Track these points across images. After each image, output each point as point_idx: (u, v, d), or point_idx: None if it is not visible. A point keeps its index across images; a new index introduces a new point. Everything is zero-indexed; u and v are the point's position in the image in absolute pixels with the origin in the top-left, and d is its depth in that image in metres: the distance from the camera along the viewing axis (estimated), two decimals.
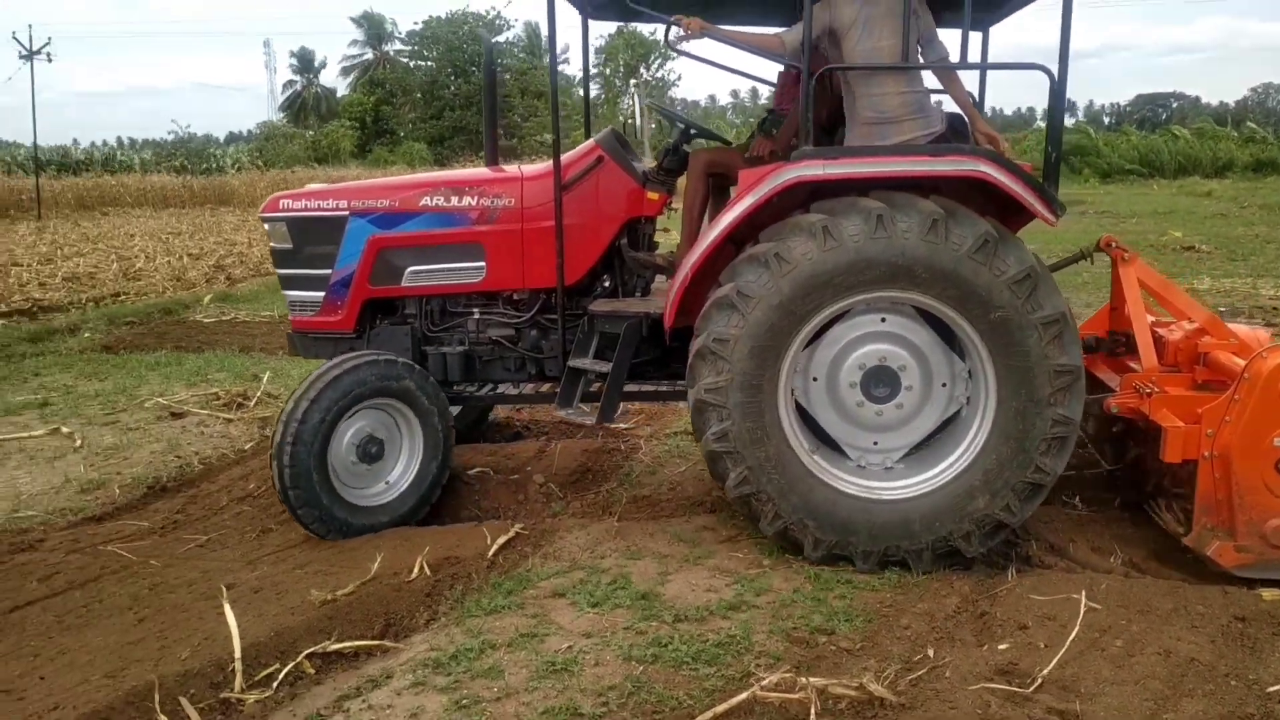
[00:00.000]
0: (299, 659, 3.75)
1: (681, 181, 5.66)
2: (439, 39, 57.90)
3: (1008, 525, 4.56)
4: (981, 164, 4.47)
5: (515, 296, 5.61)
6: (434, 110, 58.99)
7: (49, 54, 38.45)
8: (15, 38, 37.68)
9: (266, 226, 5.77)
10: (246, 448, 6.74)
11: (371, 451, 5.17)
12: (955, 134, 4.89)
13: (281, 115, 71.88)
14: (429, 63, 61.30)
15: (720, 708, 3.36)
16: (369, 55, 67.65)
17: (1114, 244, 5.24)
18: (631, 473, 6.11)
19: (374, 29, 67.52)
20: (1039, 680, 3.51)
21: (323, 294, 5.61)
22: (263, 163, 48.02)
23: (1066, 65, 4.71)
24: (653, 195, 5.45)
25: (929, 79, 5.05)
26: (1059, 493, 5.29)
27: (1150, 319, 5.15)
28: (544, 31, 4.93)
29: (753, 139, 5.59)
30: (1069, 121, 60.48)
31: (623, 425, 7.10)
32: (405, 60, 64.53)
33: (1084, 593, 4.10)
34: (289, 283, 5.74)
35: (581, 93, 7.14)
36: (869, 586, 4.40)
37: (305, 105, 72.10)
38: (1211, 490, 4.41)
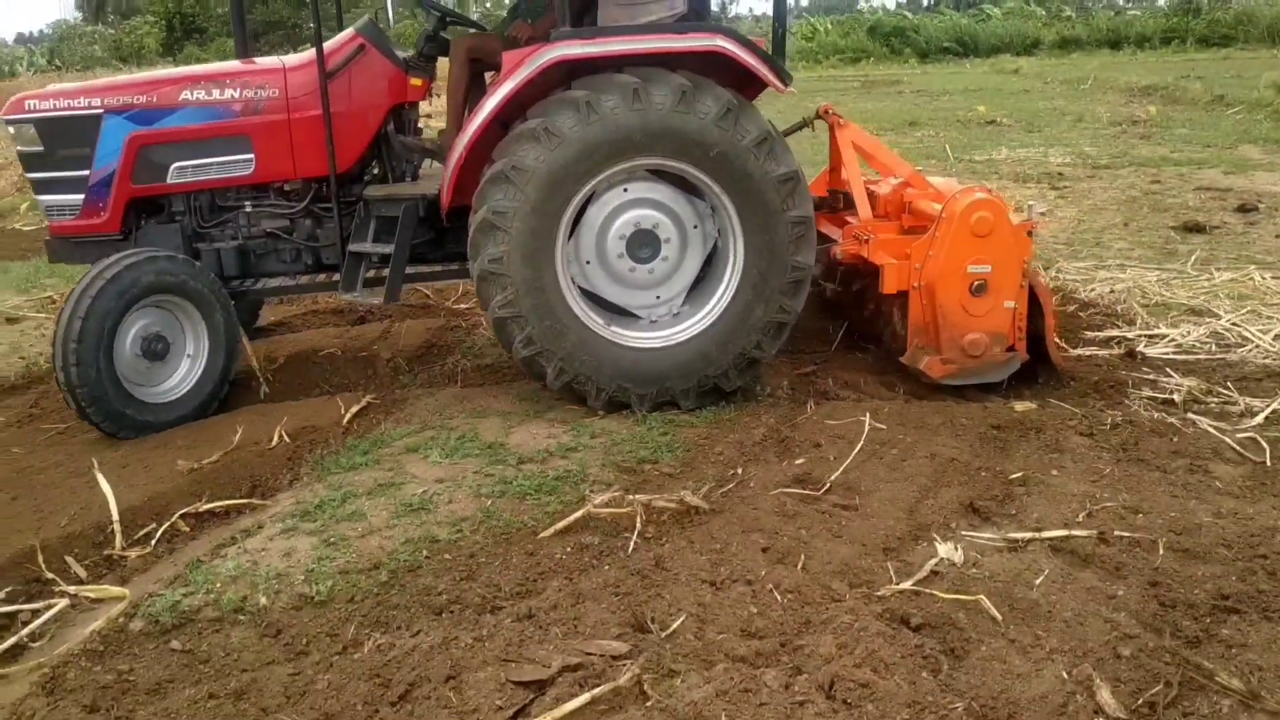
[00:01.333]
0: (173, 519, 4.10)
1: (443, 67, 5.91)
2: None
3: (759, 360, 5.23)
4: (719, 39, 4.99)
5: (286, 187, 5.70)
6: (246, 4, 55.95)
7: None
8: None
9: (11, 130, 5.58)
10: None
11: (157, 349, 5.19)
12: (695, 14, 5.38)
13: (78, 14, 66.91)
14: None
15: (560, 524, 3.89)
16: None
17: (830, 111, 5.96)
18: (474, 345, 6.50)
19: None
20: (828, 484, 4.16)
21: (82, 196, 5.47)
22: (60, 64, 44.90)
23: None
24: (416, 81, 5.67)
25: None
26: (857, 341, 6.02)
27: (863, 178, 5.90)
28: None
29: (509, 24, 5.89)
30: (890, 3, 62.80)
31: (463, 306, 7.45)
32: None
33: (868, 415, 4.79)
34: (43, 187, 5.57)
35: None
36: (689, 424, 4.98)
37: (104, 2, 67.28)
38: (920, 315, 5.21)
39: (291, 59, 5.64)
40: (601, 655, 2.96)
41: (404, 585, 3.51)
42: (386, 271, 5.41)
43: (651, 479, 4.35)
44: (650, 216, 5.14)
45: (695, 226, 5.21)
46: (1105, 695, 2.70)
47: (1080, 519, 3.77)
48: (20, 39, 74.98)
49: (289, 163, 5.53)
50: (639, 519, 3.86)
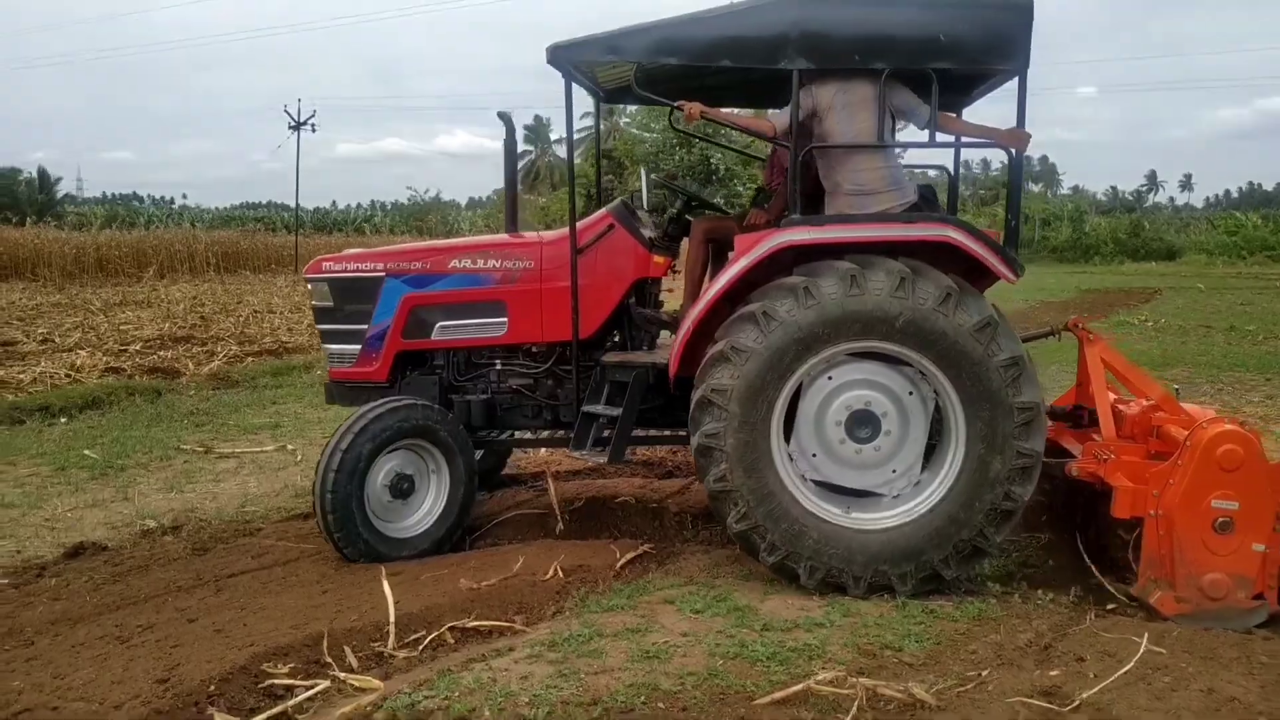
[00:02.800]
0: (442, 629, 4.55)
1: (683, 247, 6.22)
2: (663, 112, 60.00)
3: (984, 551, 5.00)
4: (949, 229, 5.05)
5: (533, 349, 6.13)
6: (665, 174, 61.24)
7: (313, 125, 42.74)
8: (286, 110, 42.13)
9: (309, 286, 6.29)
10: None
11: (403, 488, 5.66)
12: (926, 203, 5.41)
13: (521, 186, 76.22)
14: (655, 134, 63.97)
15: (778, 694, 3.89)
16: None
17: (1080, 325, 5.75)
18: None
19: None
20: (1077, 702, 3.84)
21: (359, 347, 6.07)
22: (492, 226, 51.38)
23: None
24: (658, 259, 6.01)
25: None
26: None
27: (1111, 396, 5.56)
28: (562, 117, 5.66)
29: (748, 211, 6.15)
30: None
31: None
32: (634, 131, 67.51)
33: (1146, 635, 4.37)
34: (329, 337, 6.24)
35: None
36: (949, 617, 4.78)
37: (539, 174, 76.45)
38: (1156, 546, 4.80)
39: (548, 234, 6.17)
40: None
41: None
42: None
43: (888, 665, 4.24)
44: (862, 396, 5.15)
45: (910, 393, 5.14)
46: None
47: None
48: (471, 203, 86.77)
49: (538, 328, 5.97)
50: (858, 703, 3.78)
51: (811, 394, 5.16)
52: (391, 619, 4.53)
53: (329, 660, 4.20)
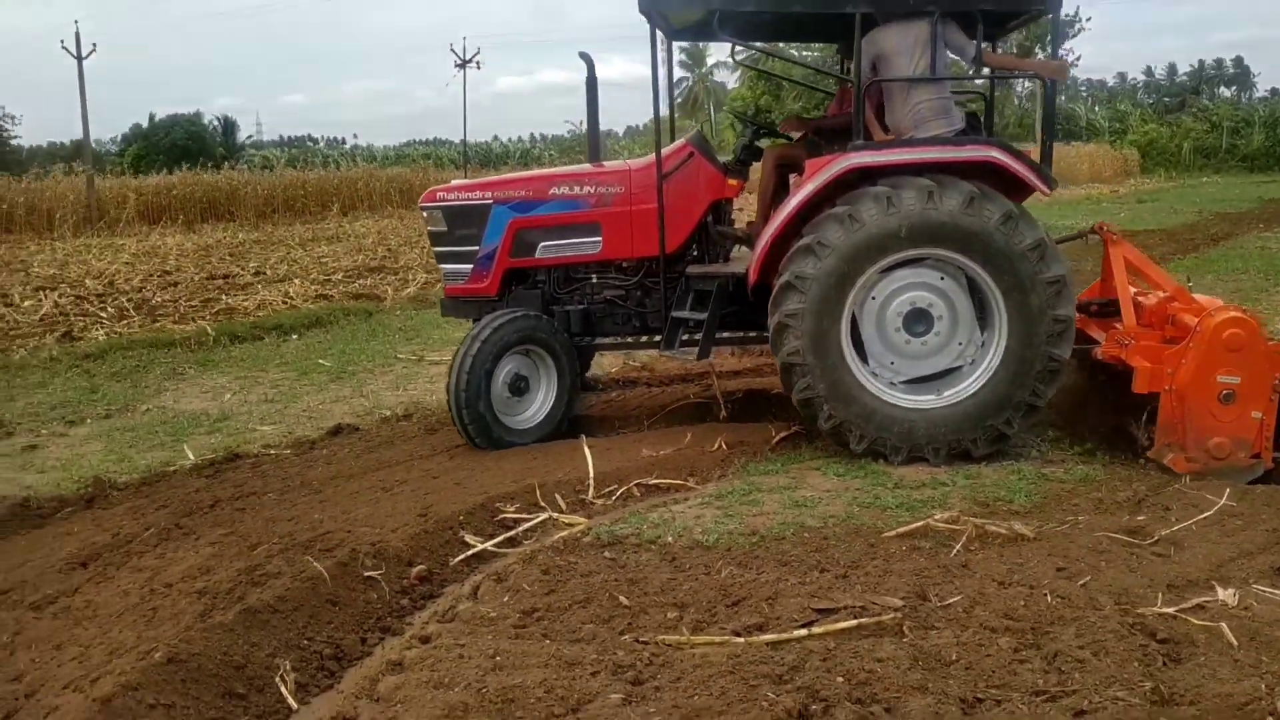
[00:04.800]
0: (629, 484, 5.66)
1: (754, 170, 6.94)
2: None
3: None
4: (994, 151, 5.85)
5: (624, 264, 6.88)
6: (815, 101, 60.74)
7: (479, 62, 44.23)
8: (452, 49, 43.75)
9: (424, 214, 7.01)
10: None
11: (520, 386, 6.55)
12: (972, 129, 6.14)
13: (677, 110, 76.61)
14: (814, 53, 63.26)
15: (902, 529, 4.82)
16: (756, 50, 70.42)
17: (1105, 228, 6.47)
18: None
19: None
20: (1156, 537, 4.63)
21: (471, 266, 6.80)
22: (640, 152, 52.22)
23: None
24: (733, 182, 6.77)
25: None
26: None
27: (1132, 289, 6.28)
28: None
29: (805, 138, 7.02)
30: None
31: None
32: (794, 51, 66.67)
33: (1228, 491, 5.09)
34: (444, 258, 7.00)
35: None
36: (1058, 479, 5.60)
37: (697, 100, 76.64)
38: (1170, 415, 5.60)
39: (635, 162, 6.92)
40: (881, 604, 3.92)
41: (767, 546, 4.68)
42: (697, 335, 6.54)
43: (999, 513, 5.10)
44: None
45: (942, 279, 5.97)
46: None
47: None
48: (629, 131, 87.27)
49: (629, 245, 6.75)
50: (968, 535, 4.68)
51: (865, 317, 5.99)
52: (590, 475, 5.67)
53: (543, 504, 5.36)
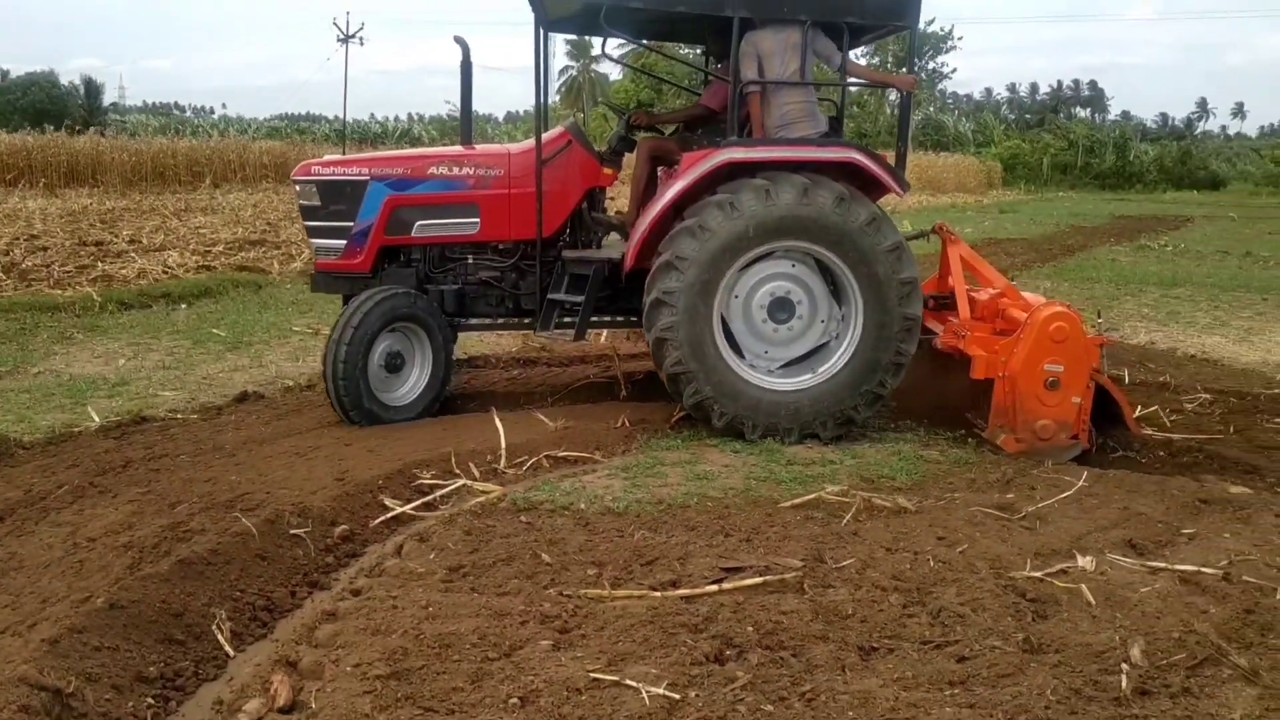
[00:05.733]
0: (539, 456, 5.91)
1: (627, 160, 7.38)
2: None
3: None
4: (854, 152, 6.44)
5: (500, 246, 7.00)
6: (693, 101, 61.61)
7: (361, 38, 43.46)
8: (335, 23, 42.92)
9: (297, 188, 6.93)
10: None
11: (395, 364, 6.58)
12: (834, 132, 6.74)
13: (559, 99, 76.59)
14: (698, 53, 64.02)
15: (797, 500, 5.22)
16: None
17: (944, 228, 7.30)
18: None
19: None
20: (1023, 513, 5.13)
21: (344, 242, 6.78)
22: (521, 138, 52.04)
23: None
24: (608, 171, 7.10)
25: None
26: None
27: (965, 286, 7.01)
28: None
29: (680, 135, 7.46)
30: None
31: None
32: (682, 49, 67.32)
33: (1086, 473, 5.65)
34: (316, 232, 6.92)
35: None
36: (935, 461, 6.08)
37: (579, 90, 76.80)
38: (1002, 400, 6.20)
39: (515, 146, 7.06)
40: (782, 564, 4.28)
41: (674, 514, 5.01)
42: (572, 318, 6.82)
43: (883, 489, 5.53)
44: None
45: (794, 265, 6.46)
46: (1136, 651, 3.60)
47: (1221, 564, 4.49)
48: (509, 117, 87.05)
49: (506, 227, 6.88)
50: (856, 507, 5.10)
51: (732, 313, 6.43)
52: (503, 445, 5.90)
53: (457, 471, 5.56)
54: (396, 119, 63.50)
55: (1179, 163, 55.79)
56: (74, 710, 3.14)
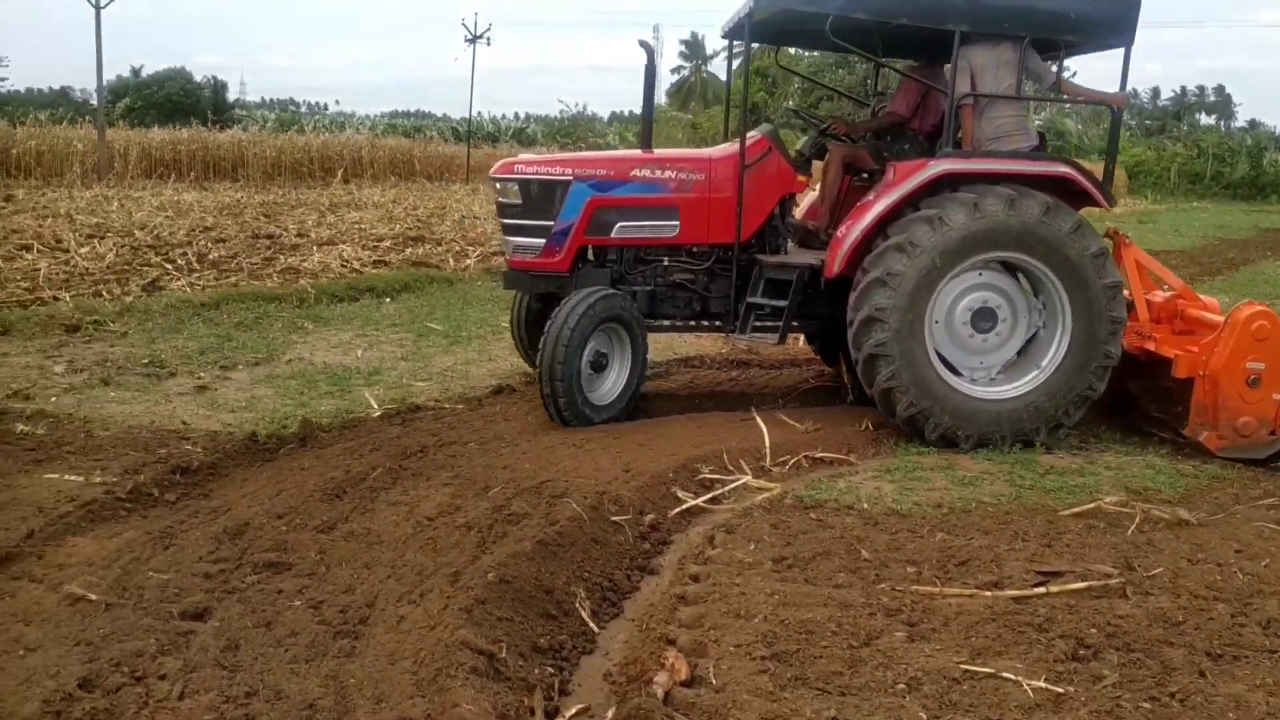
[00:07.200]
0: (799, 456, 6.12)
1: (816, 166, 7.45)
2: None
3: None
4: (1064, 166, 6.60)
5: (695, 249, 7.12)
6: (812, 100, 61.33)
7: (489, 38, 44.38)
8: (464, 23, 43.87)
9: (497, 185, 7.06)
10: None
11: (600, 363, 6.69)
12: (1042, 145, 6.85)
13: (667, 99, 76.83)
14: (815, 54, 63.76)
15: (1077, 509, 5.32)
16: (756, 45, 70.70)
17: (1118, 233, 7.30)
18: None
19: None
20: None
21: (544, 240, 6.89)
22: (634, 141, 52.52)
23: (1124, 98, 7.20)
24: (801, 178, 7.20)
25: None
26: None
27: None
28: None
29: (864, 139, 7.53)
30: None
31: None
32: (793, 50, 67.10)
33: None
34: (514, 230, 7.05)
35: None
36: (1192, 474, 6.11)
37: (691, 90, 76.91)
38: (1203, 398, 6.37)
39: (715, 151, 7.16)
40: (1097, 571, 4.40)
41: (959, 517, 5.17)
42: (763, 322, 6.95)
43: (1152, 500, 5.60)
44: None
45: (980, 273, 6.55)
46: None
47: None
48: (614, 117, 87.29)
49: (705, 231, 7.01)
50: (1138, 517, 5.18)
51: (939, 337, 6.51)
52: (767, 444, 6.13)
53: (732, 469, 5.80)
54: (503, 116, 64.39)
55: None
56: (500, 673, 3.44)
